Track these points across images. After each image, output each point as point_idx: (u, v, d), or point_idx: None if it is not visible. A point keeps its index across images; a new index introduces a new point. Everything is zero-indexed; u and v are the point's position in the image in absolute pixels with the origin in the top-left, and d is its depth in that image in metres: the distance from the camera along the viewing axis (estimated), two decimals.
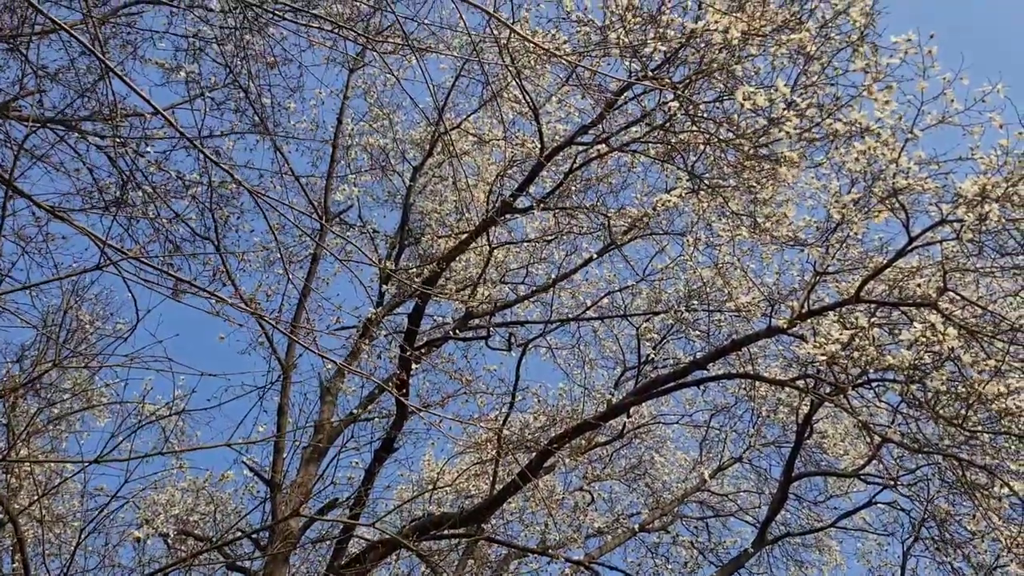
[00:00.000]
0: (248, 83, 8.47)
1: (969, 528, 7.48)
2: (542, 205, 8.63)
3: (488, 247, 9.10)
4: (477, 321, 9.79)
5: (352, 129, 10.33)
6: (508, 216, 9.22)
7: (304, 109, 9.56)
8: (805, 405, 8.98)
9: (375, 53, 8.08)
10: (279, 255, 6.78)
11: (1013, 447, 6.13)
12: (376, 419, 9.53)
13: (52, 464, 7.46)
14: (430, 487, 9.60)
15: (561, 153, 8.37)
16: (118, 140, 7.07)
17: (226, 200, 9.53)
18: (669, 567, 11.02)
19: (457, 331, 9.15)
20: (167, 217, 8.64)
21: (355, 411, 8.96)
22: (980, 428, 6.14)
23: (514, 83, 7.99)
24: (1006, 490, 5.70)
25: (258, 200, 4.00)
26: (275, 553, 7.41)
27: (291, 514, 7.16)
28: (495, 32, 6.94)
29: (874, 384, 7.23)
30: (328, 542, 8.70)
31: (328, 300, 10.47)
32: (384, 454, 8.69)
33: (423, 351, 9.30)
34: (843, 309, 7.37)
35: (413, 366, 9.05)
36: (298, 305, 9.03)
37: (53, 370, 6.23)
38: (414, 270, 8.72)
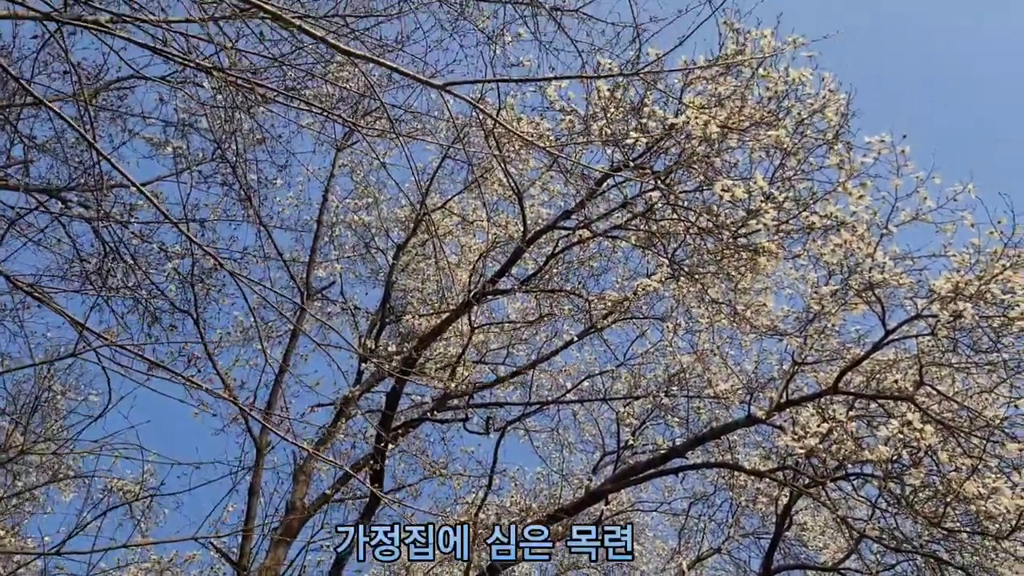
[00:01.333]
0: (235, 159, 8.57)
1: None
2: (524, 287, 8.68)
3: (469, 327, 9.09)
4: (455, 402, 9.71)
5: (337, 206, 10.42)
6: (490, 297, 9.25)
7: (291, 185, 9.66)
8: (784, 496, 8.89)
9: (361, 135, 8.21)
10: (257, 334, 6.70)
11: (991, 547, 6.07)
12: (350, 500, 9.33)
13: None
14: (402, 573, 9.36)
15: (544, 236, 8.46)
16: (102, 212, 7.08)
17: (208, 273, 9.53)
18: None
19: (435, 412, 9.06)
20: (147, 289, 8.62)
21: (328, 492, 8.77)
22: (958, 526, 6.08)
23: (498, 167, 8.12)
24: None
25: (236, 280, 3.98)
26: None
27: None
28: (480, 118, 7.09)
29: (852, 478, 7.19)
30: None
31: (306, 376, 10.36)
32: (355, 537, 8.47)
33: (399, 432, 9.19)
34: (821, 400, 7.38)
35: (389, 447, 8.93)
36: (274, 385, 8.93)
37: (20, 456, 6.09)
38: (393, 349, 8.65)
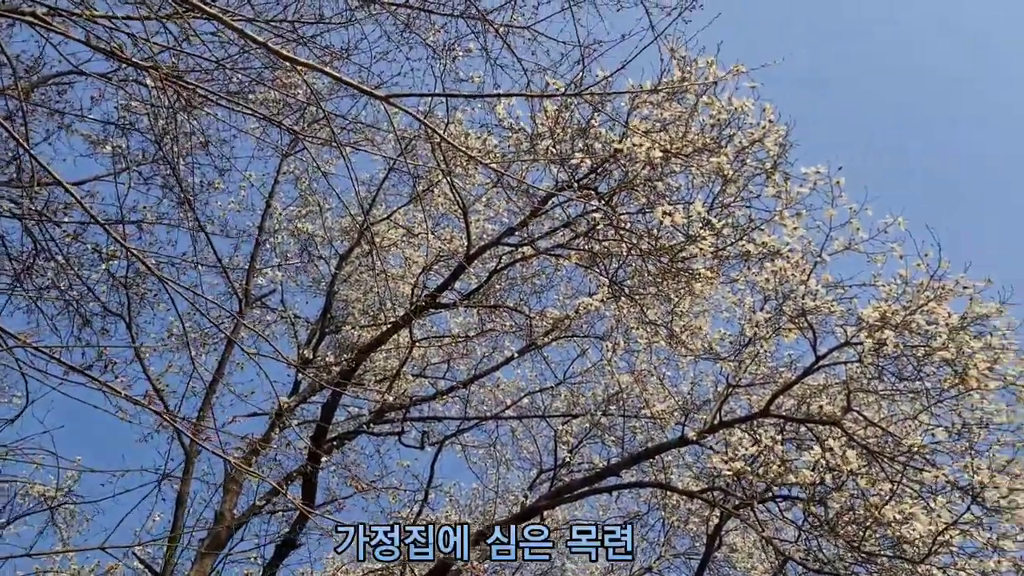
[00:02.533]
0: (176, 161, 8.42)
1: None
2: (466, 302, 8.68)
3: (410, 341, 9.05)
4: (393, 415, 9.65)
5: (280, 214, 10.30)
6: (431, 311, 9.23)
7: (232, 191, 9.52)
8: (715, 517, 9.00)
9: (306, 144, 8.14)
10: (185, 341, 6.56)
11: (909, 570, 6.23)
12: (281, 512, 9.17)
13: None
14: None
15: (487, 252, 8.49)
16: (32, 209, 6.88)
17: (143, 277, 9.32)
18: None
19: (371, 425, 8.99)
20: (79, 291, 8.40)
21: (257, 504, 8.61)
22: (878, 550, 6.24)
23: (444, 181, 8.13)
24: None
25: (167, 286, 3.91)
26: None
27: None
28: (427, 132, 7.10)
29: (779, 500, 7.33)
30: None
31: (242, 385, 10.19)
32: (286, 550, 8.34)
33: (334, 445, 9.08)
34: (753, 422, 7.52)
35: (323, 459, 8.82)
36: (206, 393, 8.76)
37: None
38: (331, 360, 8.57)
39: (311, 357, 9.13)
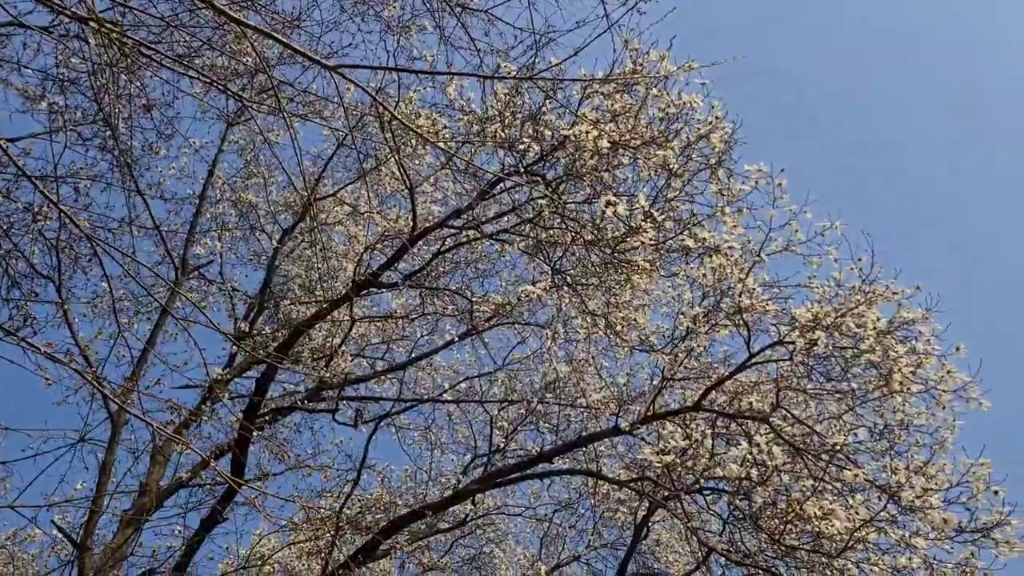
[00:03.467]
0: (116, 122, 8.19)
1: None
2: (408, 283, 8.63)
3: (350, 319, 8.97)
4: (329, 393, 9.55)
5: (223, 183, 10.10)
6: (373, 290, 9.15)
7: (174, 156, 9.29)
8: (644, 508, 9.13)
9: (253, 111, 7.99)
10: (112, 307, 6.38)
11: (825, 564, 6.41)
12: (208, 486, 9.02)
13: None
14: (257, 563, 9.11)
15: (433, 234, 8.45)
16: None
17: (75, 240, 9.05)
18: None
19: (305, 401, 8.88)
20: (7, 250, 8.13)
21: (185, 475, 8.46)
22: (797, 544, 6.40)
23: (393, 159, 8.07)
24: None
25: (97, 245, 3.81)
26: None
27: None
28: (378, 109, 7.03)
29: (706, 493, 7.46)
30: None
31: (175, 355, 9.99)
32: (211, 524, 8.21)
33: (268, 420, 8.96)
34: (685, 416, 7.64)
35: (255, 434, 8.69)
36: (138, 361, 8.56)
37: None
38: (268, 333, 8.45)
39: (248, 331, 8.98)
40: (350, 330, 8.68)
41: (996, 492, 6.28)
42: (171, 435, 4.20)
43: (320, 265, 9.33)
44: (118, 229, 8.91)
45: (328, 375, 8.88)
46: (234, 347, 9.11)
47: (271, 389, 9.24)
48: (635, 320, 7.74)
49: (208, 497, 8.88)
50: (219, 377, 8.46)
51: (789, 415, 7.06)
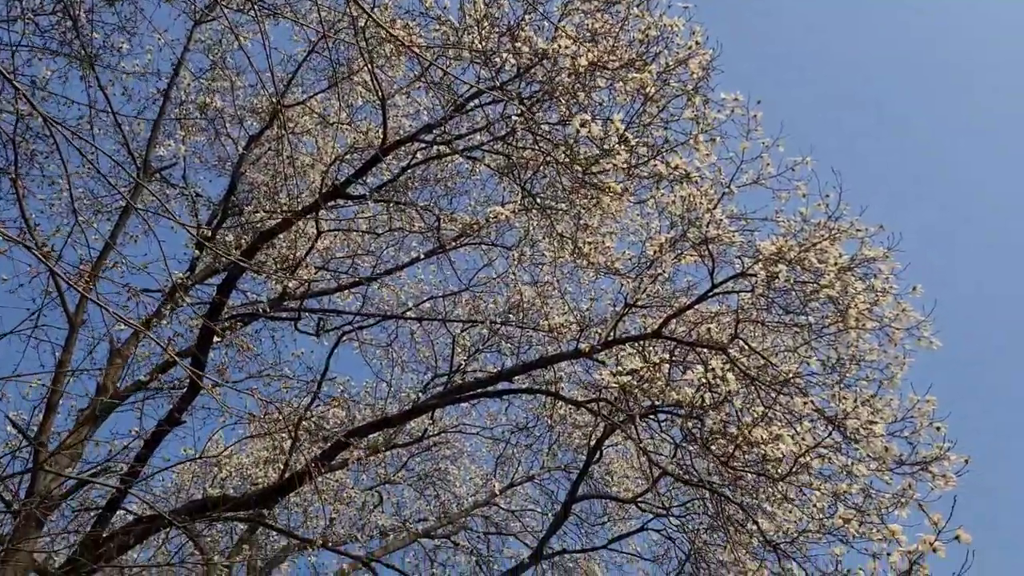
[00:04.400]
0: (78, 13, 7.89)
1: (722, 559, 8.02)
2: (376, 196, 8.54)
3: (315, 230, 8.88)
4: (291, 303, 9.51)
5: (188, 84, 9.81)
6: (340, 202, 9.04)
7: (138, 54, 8.98)
8: (598, 432, 9.33)
9: (223, 8, 7.72)
10: (73, 208, 6.22)
11: (770, 489, 6.64)
12: (166, 389, 9.00)
13: None
14: (214, 465, 9.18)
15: (403, 148, 8.33)
16: None
17: (35, 134, 8.78)
18: (447, 573, 11.10)
19: (267, 310, 8.82)
20: None
21: (143, 378, 8.43)
22: (745, 468, 6.59)
23: (366, 68, 7.88)
24: (756, 526, 6.15)
25: (54, 127, 3.69)
26: (28, 513, 6.81)
27: (53, 475, 6.62)
28: (353, 12, 6.83)
29: (661, 419, 7.63)
30: (92, 511, 8.10)
31: (134, 258, 9.83)
32: (168, 426, 8.21)
33: (229, 326, 8.90)
34: (645, 343, 7.75)
35: (215, 340, 8.65)
36: (97, 260, 8.41)
37: None
38: (231, 241, 8.33)
39: (211, 236, 8.85)
40: (315, 240, 8.60)
41: (938, 428, 6.50)
42: (131, 322, 4.15)
43: (287, 174, 9.17)
44: (77, 125, 8.67)
45: (292, 284, 8.82)
46: (196, 252, 8.98)
47: (232, 297, 9.18)
48: (603, 243, 7.76)
49: (166, 400, 8.88)
50: (180, 281, 8.36)
51: (747, 346, 7.20)
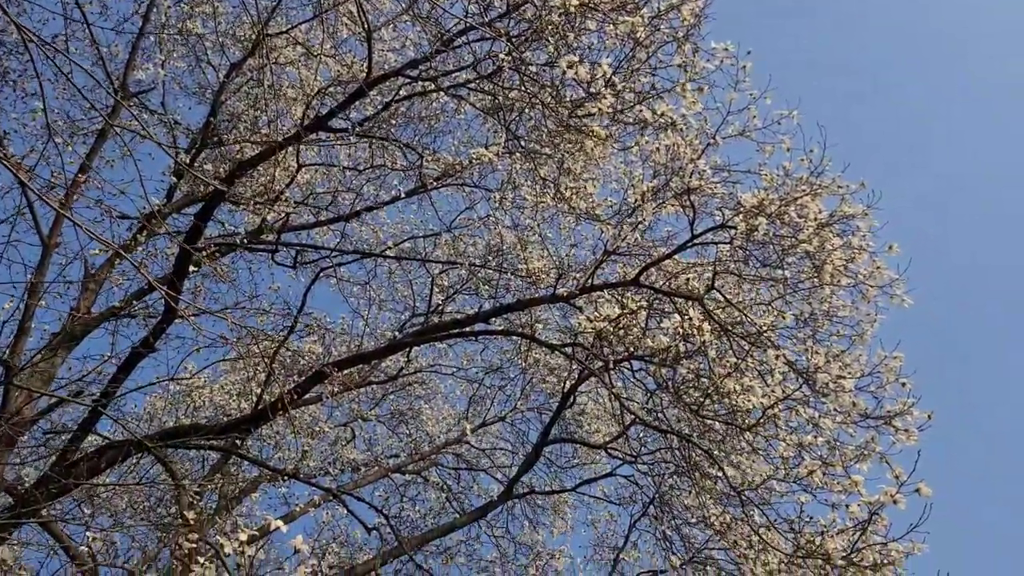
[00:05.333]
0: None
1: (686, 503, 8.21)
2: (358, 130, 8.42)
3: (296, 164, 8.76)
4: (270, 237, 9.42)
5: (168, 8, 9.54)
6: (323, 137, 8.92)
7: None
8: (572, 377, 9.42)
9: None
10: (50, 131, 6.07)
11: (738, 439, 6.76)
12: (141, 317, 8.95)
13: None
14: (187, 395, 9.19)
15: (388, 83, 8.20)
16: None
17: (8, 50, 8.54)
18: (416, 508, 11.29)
19: (246, 240, 8.75)
20: None
21: (118, 304, 8.37)
22: (715, 418, 6.71)
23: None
24: (722, 473, 6.29)
25: (27, 37, 3.59)
26: None
27: (24, 393, 6.60)
28: None
29: (635, 367, 7.71)
30: (63, 434, 8.12)
31: (111, 182, 9.67)
32: (142, 351, 8.17)
33: (206, 254, 8.82)
34: (622, 290, 7.79)
35: (192, 269, 8.58)
36: (72, 182, 8.26)
37: None
38: (210, 170, 8.21)
39: (189, 164, 8.71)
40: (296, 174, 8.49)
41: (904, 384, 6.64)
42: (107, 242, 4.09)
43: (268, 105, 9.01)
44: (53, 41, 8.43)
45: (270, 217, 8.73)
46: (174, 180, 8.85)
47: (210, 228, 9.08)
48: (584, 189, 7.74)
49: (140, 327, 8.84)
50: (158, 208, 8.26)
51: (723, 298, 7.26)
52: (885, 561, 5.34)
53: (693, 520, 8.44)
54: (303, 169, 9.45)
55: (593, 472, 10.88)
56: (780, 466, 6.42)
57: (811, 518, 5.78)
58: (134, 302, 8.54)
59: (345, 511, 8.22)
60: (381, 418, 11.71)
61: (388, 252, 10.36)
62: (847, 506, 5.58)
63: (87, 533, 6.71)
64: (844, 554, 5.30)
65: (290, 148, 8.37)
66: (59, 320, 8.38)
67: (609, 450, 9.32)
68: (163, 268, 8.86)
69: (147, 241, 8.71)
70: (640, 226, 7.91)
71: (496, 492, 10.65)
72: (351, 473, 10.98)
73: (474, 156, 8.53)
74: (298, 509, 10.34)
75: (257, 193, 9.46)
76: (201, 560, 4.35)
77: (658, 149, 6.83)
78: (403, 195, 9.38)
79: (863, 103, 25.10)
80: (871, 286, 6.87)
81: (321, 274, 9.98)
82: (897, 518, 5.23)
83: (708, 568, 8.55)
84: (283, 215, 8.71)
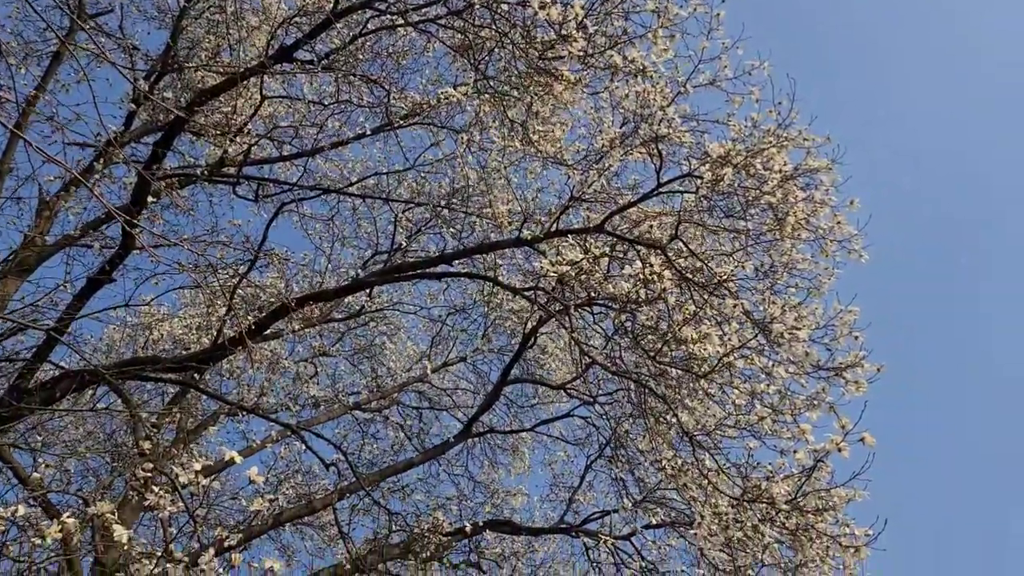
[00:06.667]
0: None
1: (640, 447, 8.38)
2: (324, 63, 8.23)
3: (259, 95, 8.56)
4: (231, 170, 9.25)
5: None
6: (287, 69, 8.70)
7: None
8: (534, 320, 9.49)
9: None
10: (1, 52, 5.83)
11: (693, 385, 6.89)
12: (97, 247, 8.77)
13: None
14: (146, 327, 9.10)
15: (355, 16, 8.00)
16: None
17: None
18: (376, 445, 11.39)
19: (207, 172, 8.58)
20: None
21: (74, 232, 8.19)
22: (671, 364, 6.82)
23: None
24: (675, 419, 6.43)
25: None
26: None
27: None
28: None
29: (595, 311, 7.78)
30: (17, 363, 8.00)
31: (66, 107, 9.38)
32: (101, 277, 8.04)
33: (165, 184, 8.64)
34: (586, 236, 7.81)
35: (151, 199, 8.41)
36: (25, 105, 8.00)
37: None
38: (170, 98, 7.99)
39: (148, 91, 8.46)
40: (260, 106, 8.30)
41: (856, 337, 6.80)
42: (62, 163, 3.99)
43: (230, 32, 8.75)
44: None
45: (232, 149, 8.56)
46: (132, 107, 8.60)
47: (169, 159, 8.88)
48: (552, 133, 7.69)
49: (96, 258, 8.68)
50: (116, 136, 8.04)
51: (685, 248, 7.32)
52: (827, 506, 5.54)
53: (646, 463, 8.65)
54: (266, 101, 9.24)
55: (551, 413, 11.06)
56: (732, 412, 6.58)
57: (759, 464, 5.95)
58: (90, 232, 8.36)
59: (304, 447, 8.28)
60: (344, 354, 11.72)
61: (352, 189, 10.24)
62: (795, 452, 5.76)
63: (38, 460, 6.69)
64: (789, 499, 5.48)
65: (253, 79, 8.18)
66: (10, 248, 8.21)
67: (568, 391, 9.45)
68: (120, 198, 8.66)
69: (104, 168, 8.49)
70: (607, 173, 7.91)
71: (456, 430, 10.78)
72: (312, 409, 11.03)
73: (442, 95, 8.42)
74: (256, 444, 10.38)
75: (218, 124, 9.23)
76: (156, 489, 4.36)
77: (627, 96, 6.78)
78: (369, 132, 9.23)
79: (841, 58, 25.11)
80: (831, 241, 6.97)
81: (284, 209, 9.85)
82: (842, 466, 5.41)
83: (659, 509, 8.81)
84: (245, 147, 8.53)
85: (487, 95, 8.14)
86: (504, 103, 7.93)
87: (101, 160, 8.05)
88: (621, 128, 7.71)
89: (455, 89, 8.30)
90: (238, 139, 8.74)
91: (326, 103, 9.46)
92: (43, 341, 7.33)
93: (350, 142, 9.94)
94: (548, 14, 5.86)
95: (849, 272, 7.36)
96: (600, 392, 8.85)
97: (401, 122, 9.26)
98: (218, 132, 8.65)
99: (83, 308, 8.17)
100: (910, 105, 24.66)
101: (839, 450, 4.79)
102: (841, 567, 6.45)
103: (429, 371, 10.75)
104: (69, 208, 8.49)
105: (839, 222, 7.01)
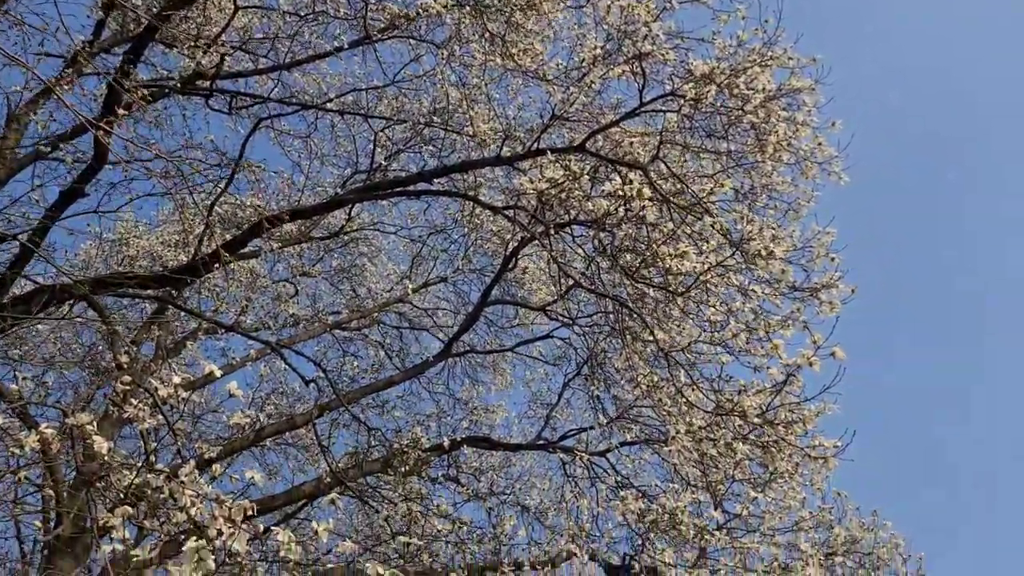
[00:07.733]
0: None
1: (617, 366, 8.51)
2: None
3: (233, 5, 8.29)
4: (205, 84, 9.01)
5: None
6: None
7: None
8: (515, 240, 9.47)
9: None
10: None
11: (670, 304, 6.96)
12: (69, 162, 8.60)
13: None
14: (123, 243, 9.01)
15: None
16: None
17: None
18: (356, 364, 11.47)
19: (179, 85, 8.36)
20: None
21: (43, 146, 8.01)
22: (649, 283, 6.87)
23: None
24: (652, 336, 6.51)
25: None
26: None
27: None
28: None
29: (576, 232, 7.78)
30: None
31: (31, 16, 9.07)
32: (71, 199, 7.91)
33: (138, 95, 8.42)
34: (567, 155, 7.75)
35: (123, 113, 8.21)
36: None
37: None
38: (140, 4, 7.72)
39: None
40: (233, 16, 8.05)
41: (832, 259, 6.86)
42: (27, 66, 3.85)
43: None
44: None
45: (205, 61, 8.33)
46: (101, 15, 8.31)
47: (140, 71, 8.62)
48: (533, 47, 7.54)
49: (68, 174, 8.51)
50: (85, 46, 7.79)
51: (666, 169, 7.28)
52: (797, 419, 5.68)
53: (623, 382, 8.78)
54: (240, 11, 8.96)
55: (531, 333, 11.15)
56: (708, 329, 6.67)
57: (731, 377, 6.06)
58: (61, 145, 8.18)
59: (284, 365, 8.32)
60: (324, 274, 11.70)
61: (330, 105, 10.04)
62: (768, 368, 5.86)
63: (16, 374, 6.69)
64: (760, 412, 5.61)
65: None
66: None
67: (548, 312, 9.52)
68: (91, 111, 8.44)
69: (73, 76, 8.25)
70: (589, 90, 7.79)
71: (436, 350, 10.86)
72: (292, 328, 11.05)
73: (422, 7, 8.20)
74: (236, 362, 10.42)
75: (191, 35, 8.96)
76: (135, 402, 4.38)
77: (611, 8, 6.63)
78: (346, 45, 8.99)
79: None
80: (811, 164, 6.96)
81: (260, 124, 9.66)
82: (813, 381, 5.51)
83: (634, 427, 8.99)
84: (218, 58, 8.30)
85: (467, 7, 7.95)
86: (485, 15, 7.75)
87: (71, 70, 7.81)
88: (604, 44, 7.58)
89: (435, 1, 8.08)
90: (211, 50, 8.49)
91: (303, 14, 9.20)
92: (17, 255, 7.24)
93: (328, 56, 9.70)
94: None
95: (833, 190, 7.37)
96: (579, 313, 8.92)
97: (380, 35, 9.03)
98: (190, 42, 8.40)
99: (57, 223, 8.06)
100: (898, 20, 24.36)
101: (810, 364, 4.88)
102: (809, 483, 6.66)
103: (410, 291, 10.75)
104: (39, 121, 8.28)
105: (820, 144, 6.99)
